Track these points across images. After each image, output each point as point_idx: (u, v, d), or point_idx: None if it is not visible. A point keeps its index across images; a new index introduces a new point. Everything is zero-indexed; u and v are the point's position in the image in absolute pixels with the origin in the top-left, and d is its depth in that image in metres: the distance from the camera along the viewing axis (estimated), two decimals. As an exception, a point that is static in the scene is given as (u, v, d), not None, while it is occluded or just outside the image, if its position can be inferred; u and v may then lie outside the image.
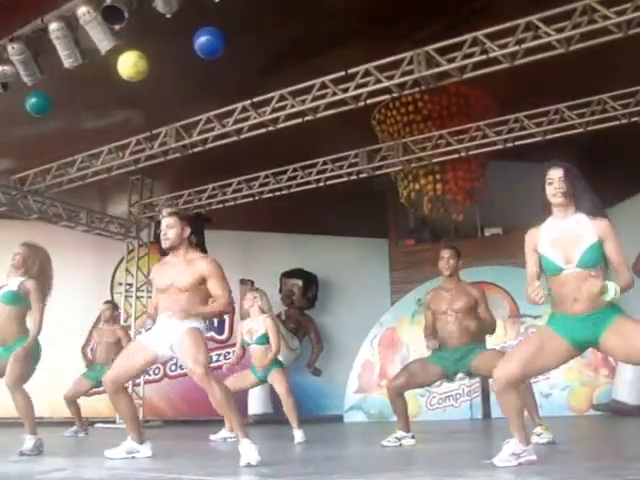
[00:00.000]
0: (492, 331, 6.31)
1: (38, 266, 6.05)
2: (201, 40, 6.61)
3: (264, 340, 7.65)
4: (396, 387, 6.11)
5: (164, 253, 5.44)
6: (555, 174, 4.07)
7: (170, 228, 5.11)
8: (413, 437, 6.16)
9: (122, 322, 11.19)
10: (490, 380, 11.30)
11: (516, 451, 3.98)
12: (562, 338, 3.95)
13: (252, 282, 12.45)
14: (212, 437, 7.76)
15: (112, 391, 5.06)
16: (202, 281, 5.01)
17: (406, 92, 8.68)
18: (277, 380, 7.54)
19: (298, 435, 7.20)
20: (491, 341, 6.96)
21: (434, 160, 10.62)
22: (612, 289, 3.73)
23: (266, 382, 7.80)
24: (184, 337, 4.83)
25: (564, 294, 3.96)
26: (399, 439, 6.10)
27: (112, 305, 10.30)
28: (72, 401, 9.23)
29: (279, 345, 7.69)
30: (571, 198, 4.05)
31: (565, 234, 4.02)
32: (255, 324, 7.78)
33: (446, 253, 6.25)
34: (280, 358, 7.81)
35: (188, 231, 5.17)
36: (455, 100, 10.76)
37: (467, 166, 11.22)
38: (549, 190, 4.09)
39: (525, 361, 3.93)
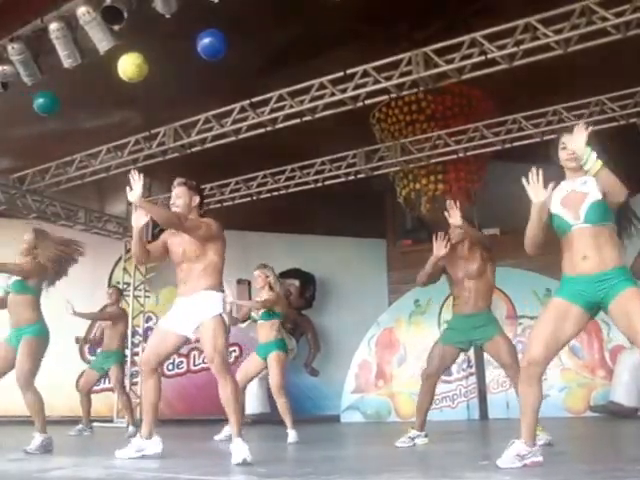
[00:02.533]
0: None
1: (44, 253, 6.19)
2: (204, 42, 6.65)
3: (268, 316, 7.68)
4: (432, 373, 6.21)
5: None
6: (568, 139, 4.19)
7: (178, 197, 5.24)
8: (426, 436, 6.18)
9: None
10: (487, 380, 11.38)
11: (521, 452, 3.95)
12: (574, 305, 3.99)
13: (249, 282, 12.45)
14: (216, 437, 7.71)
15: (145, 373, 5.22)
16: (204, 245, 5.08)
17: (405, 93, 8.69)
18: (273, 368, 7.48)
19: (291, 435, 7.20)
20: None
21: (432, 161, 10.65)
22: (588, 156, 3.94)
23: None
24: (208, 325, 4.88)
25: (573, 251, 4.03)
26: (412, 438, 6.11)
27: (117, 289, 10.40)
28: (85, 394, 9.44)
29: (274, 299, 7.72)
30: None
31: (573, 193, 4.11)
32: None
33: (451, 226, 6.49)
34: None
35: (197, 200, 5.29)
36: (458, 101, 10.76)
37: (468, 167, 11.23)
38: (562, 155, 4.24)
39: (546, 341, 4.00)
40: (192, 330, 5.00)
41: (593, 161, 3.94)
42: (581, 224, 4.01)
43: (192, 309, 4.97)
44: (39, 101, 7.52)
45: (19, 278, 6.05)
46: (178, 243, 5.16)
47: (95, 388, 9.85)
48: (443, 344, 6.27)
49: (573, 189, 4.13)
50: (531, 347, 4.06)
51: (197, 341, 5.12)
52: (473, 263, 6.31)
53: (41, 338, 5.98)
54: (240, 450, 4.59)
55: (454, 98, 10.75)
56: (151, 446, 5.24)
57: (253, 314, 7.85)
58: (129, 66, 6.80)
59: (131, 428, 8.96)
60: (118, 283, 12.86)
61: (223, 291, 5.13)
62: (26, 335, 5.89)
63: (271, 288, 7.86)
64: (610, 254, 3.95)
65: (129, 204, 12.81)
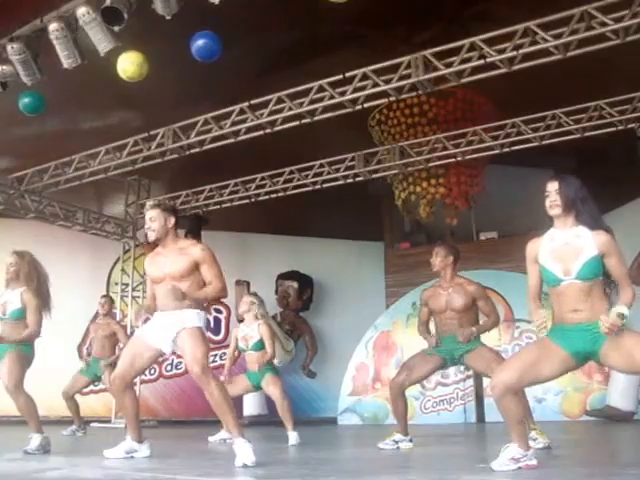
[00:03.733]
0: (496, 325, 6.37)
1: (31, 274, 6.17)
2: (198, 44, 6.62)
3: (259, 346, 7.63)
4: (397, 383, 6.16)
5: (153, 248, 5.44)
6: (551, 187, 4.10)
7: (153, 221, 5.14)
8: (411, 440, 6.17)
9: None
10: (484, 384, 11.37)
11: (515, 456, 3.99)
12: (562, 348, 3.96)
13: (248, 283, 12.47)
14: (210, 439, 7.72)
15: (119, 388, 5.13)
16: (195, 267, 5.01)
17: (403, 96, 8.69)
18: (271, 383, 7.49)
19: (292, 437, 7.18)
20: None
21: (430, 164, 10.65)
22: (621, 313, 3.73)
23: (260, 389, 7.74)
24: (185, 336, 4.88)
25: (563, 304, 3.98)
26: (396, 442, 6.10)
27: (109, 299, 10.30)
28: (70, 397, 9.28)
29: (274, 350, 7.69)
30: (569, 209, 4.06)
31: (565, 246, 4.02)
32: (250, 330, 7.74)
33: (434, 251, 6.40)
34: (276, 362, 7.78)
35: (172, 221, 5.17)
36: (461, 105, 10.77)
37: (469, 171, 11.24)
38: (546, 202, 4.11)
39: (522, 369, 3.96)
40: (169, 344, 5.02)
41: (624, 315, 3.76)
42: (572, 279, 3.96)
43: (170, 323, 4.96)
44: (24, 101, 7.46)
45: (17, 307, 6.03)
46: (161, 264, 5.13)
47: (93, 389, 9.82)
48: (424, 354, 6.25)
49: (566, 242, 4.04)
50: (505, 370, 4.05)
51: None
52: (458, 297, 6.20)
53: (26, 356, 5.98)
54: (242, 452, 4.58)
55: (457, 102, 10.75)
56: (142, 449, 5.26)
57: (241, 345, 7.81)
58: (129, 65, 6.78)
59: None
60: (116, 284, 12.87)
61: (205, 309, 5.14)
62: (11, 350, 5.88)
63: (257, 318, 7.83)
64: (600, 306, 3.90)
65: (127, 206, 12.92)
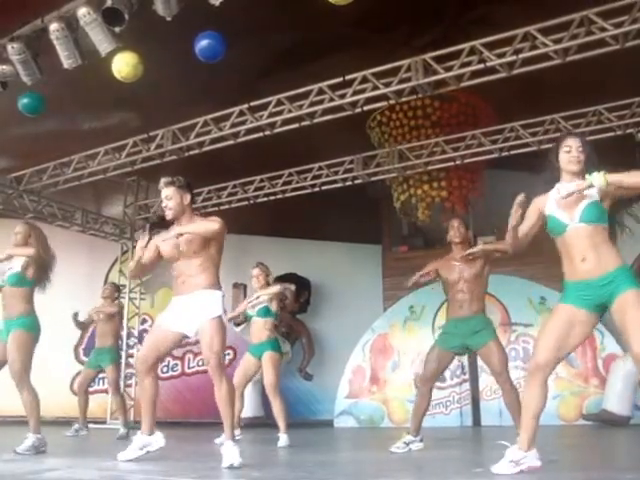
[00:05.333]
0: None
1: (38, 243, 6.25)
2: (202, 44, 6.63)
3: (264, 312, 7.64)
4: (428, 377, 6.16)
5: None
6: (574, 143, 4.20)
7: (169, 199, 5.09)
8: (421, 441, 6.12)
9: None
10: (480, 387, 11.39)
11: (515, 458, 3.96)
12: (580, 309, 3.97)
13: (245, 286, 12.45)
14: (217, 440, 7.65)
15: (142, 371, 5.14)
16: (207, 243, 5.05)
17: (403, 99, 8.70)
18: (267, 367, 7.45)
19: (282, 439, 7.14)
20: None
21: (429, 167, 10.66)
22: (595, 179, 3.90)
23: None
24: (207, 326, 4.86)
25: (571, 253, 4.03)
26: (407, 444, 6.07)
27: (112, 284, 10.23)
28: (82, 392, 9.34)
29: (275, 293, 7.75)
30: (583, 168, 4.16)
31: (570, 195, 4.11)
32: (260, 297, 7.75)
33: (456, 222, 6.40)
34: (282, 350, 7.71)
35: (188, 198, 5.15)
36: (464, 109, 10.78)
37: (470, 175, 11.24)
38: (566, 157, 4.20)
39: (552, 348, 3.98)
40: (192, 329, 4.98)
41: (598, 177, 3.93)
42: (576, 224, 4.02)
43: (192, 308, 4.94)
44: (24, 101, 7.48)
45: (17, 271, 6.05)
46: (174, 243, 5.09)
47: (89, 389, 9.80)
48: (439, 348, 6.20)
49: (570, 189, 4.10)
50: (537, 353, 4.04)
51: (194, 343, 5.11)
52: (471, 267, 6.21)
53: (30, 333, 5.93)
54: (230, 454, 4.59)
55: (460, 106, 10.76)
56: (154, 442, 5.24)
57: (248, 311, 7.80)
58: (124, 66, 6.81)
59: (122, 429, 8.88)
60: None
61: (221, 288, 5.10)
62: (15, 328, 5.85)
63: (268, 284, 7.85)
64: (608, 254, 3.96)
65: (126, 207, 12.91)
